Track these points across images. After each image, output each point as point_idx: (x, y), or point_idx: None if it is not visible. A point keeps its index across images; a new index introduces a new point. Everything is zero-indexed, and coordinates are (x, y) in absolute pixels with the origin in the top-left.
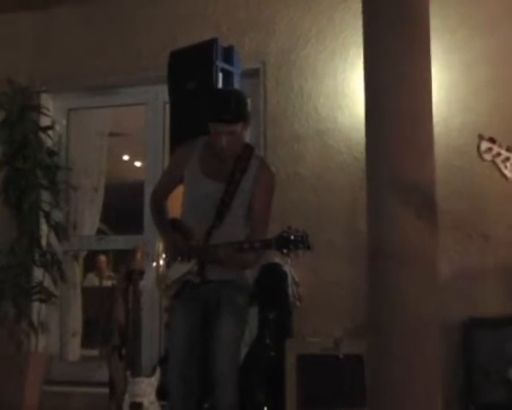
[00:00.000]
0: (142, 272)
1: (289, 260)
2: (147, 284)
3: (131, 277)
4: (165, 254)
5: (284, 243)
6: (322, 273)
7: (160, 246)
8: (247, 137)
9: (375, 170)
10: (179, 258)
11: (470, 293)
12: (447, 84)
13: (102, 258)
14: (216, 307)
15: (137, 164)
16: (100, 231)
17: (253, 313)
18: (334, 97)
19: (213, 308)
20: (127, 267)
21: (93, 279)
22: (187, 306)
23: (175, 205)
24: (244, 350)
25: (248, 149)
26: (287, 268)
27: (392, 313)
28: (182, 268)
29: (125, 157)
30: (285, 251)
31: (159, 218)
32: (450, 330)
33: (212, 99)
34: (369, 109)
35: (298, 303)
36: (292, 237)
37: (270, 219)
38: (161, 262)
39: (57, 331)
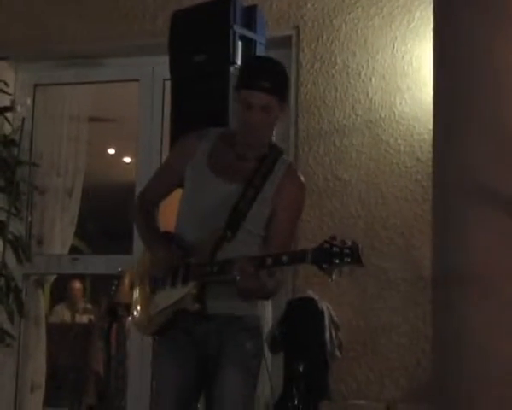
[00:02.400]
0: (129, 307)
1: (331, 279)
2: None
3: (116, 312)
4: (152, 274)
5: (325, 255)
6: (372, 314)
7: (141, 263)
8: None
9: (445, 175)
10: (171, 280)
11: None
12: None
13: (77, 285)
14: (217, 354)
15: (126, 160)
16: (74, 249)
17: (278, 365)
18: (391, 77)
19: (213, 356)
20: (110, 299)
21: (63, 313)
22: (177, 350)
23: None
24: None
25: (276, 150)
26: (323, 305)
27: (467, 372)
28: (174, 294)
29: (111, 150)
30: (325, 266)
31: (146, 226)
32: None
33: (247, 63)
34: (439, 94)
35: (337, 353)
36: (336, 249)
37: (303, 237)
38: (138, 287)
39: (11, 384)
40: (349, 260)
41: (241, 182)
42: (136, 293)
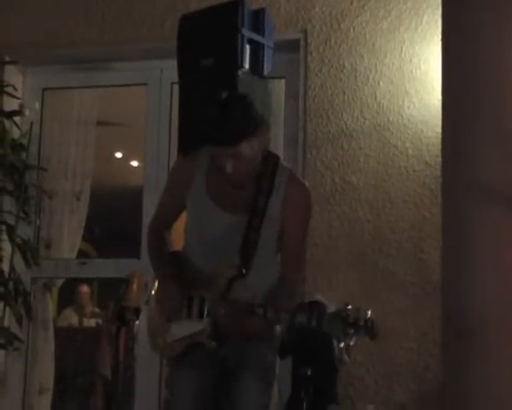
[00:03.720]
0: (137, 311)
1: (341, 345)
2: (143, 326)
3: (124, 316)
4: (165, 304)
5: (339, 324)
6: (380, 318)
7: (157, 284)
8: (279, 136)
9: (454, 179)
10: (186, 310)
11: None
12: None
13: (84, 289)
14: (236, 364)
15: (134, 163)
16: (82, 253)
17: (286, 369)
18: (399, 81)
19: (232, 367)
20: (118, 303)
21: (71, 317)
22: (196, 366)
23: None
24: None
25: (271, 161)
26: (332, 309)
27: (477, 377)
28: (190, 326)
29: (118, 154)
30: (338, 335)
31: (160, 255)
32: None
33: (207, 115)
34: (447, 97)
35: (346, 357)
36: (351, 320)
37: (311, 243)
38: (155, 306)
39: (19, 388)
40: (363, 333)
41: (245, 211)
42: (154, 316)
